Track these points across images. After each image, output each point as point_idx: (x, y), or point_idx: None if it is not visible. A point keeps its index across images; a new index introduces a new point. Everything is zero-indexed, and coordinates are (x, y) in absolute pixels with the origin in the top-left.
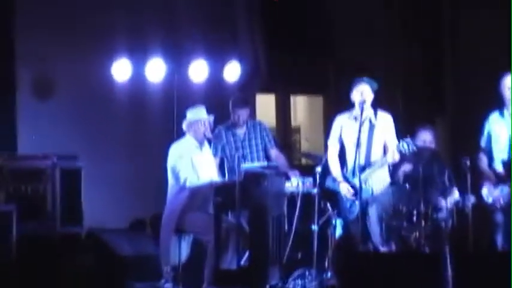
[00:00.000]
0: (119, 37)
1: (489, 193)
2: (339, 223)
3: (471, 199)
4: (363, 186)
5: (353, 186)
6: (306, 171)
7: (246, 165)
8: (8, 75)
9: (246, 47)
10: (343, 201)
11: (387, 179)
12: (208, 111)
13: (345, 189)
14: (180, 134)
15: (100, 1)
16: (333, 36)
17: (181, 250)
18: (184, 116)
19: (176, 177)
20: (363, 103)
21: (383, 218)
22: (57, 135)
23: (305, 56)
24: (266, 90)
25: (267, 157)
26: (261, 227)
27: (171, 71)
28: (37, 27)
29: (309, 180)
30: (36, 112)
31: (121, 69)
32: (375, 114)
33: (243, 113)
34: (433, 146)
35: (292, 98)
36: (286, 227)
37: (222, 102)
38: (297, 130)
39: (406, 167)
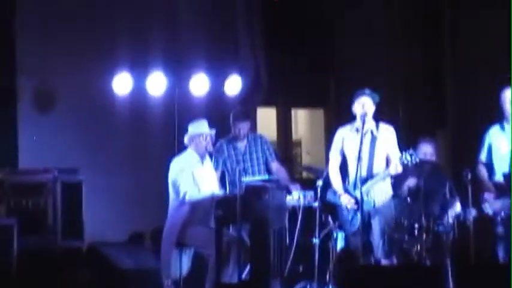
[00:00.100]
0: (120, 50)
1: (490, 206)
2: (340, 236)
3: (472, 212)
4: (365, 198)
5: (355, 198)
6: (307, 184)
7: (247, 179)
8: (9, 88)
9: (247, 60)
10: (344, 213)
11: (389, 192)
12: (210, 125)
13: (346, 201)
14: (181, 147)
15: (101, 14)
16: (334, 49)
17: (182, 264)
18: (185, 130)
19: (177, 191)
20: (364, 115)
21: (385, 230)
22: (58, 148)
23: (306, 69)
24: (267, 103)
25: (268, 170)
26: (262, 240)
27: (172, 84)
28: (38, 40)
29: (310, 193)
30: (37, 125)
31: (122, 83)
32: (377, 126)
33: (243, 127)
34: (434, 158)
35: (293, 111)
36: (287, 241)
37: (223, 116)
38: (298, 143)
39: (411, 182)
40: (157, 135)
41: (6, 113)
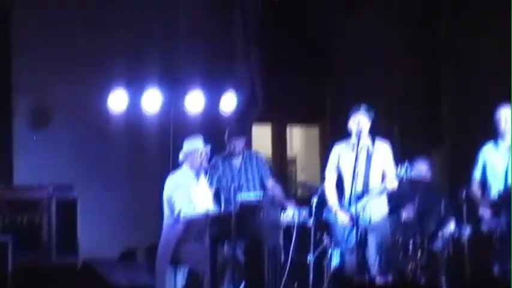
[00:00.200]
0: (116, 67)
1: (485, 223)
2: (335, 254)
3: (467, 229)
4: (361, 214)
5: (351, 215)
6: (302, 201)
7: (242, 196)
8: (5, 104)
9: (242, 77)
10: (340, 231)
11: (385, 208)
12: (205, 142)
13: (342, 217)
14: (176, 164)
15: (97, 31)
16: (330, 66)
17: (177, 281)
18: (180, 147)
19: (172, 208)
20: (359, 132)
21: (380, 248)
22: (53, 165)
23: (301, 86)
24: (262, 120)
25: (263, 188)
26: (256, 258)
27: (168, 101)
28: (34, 57)
29: (305, 210)
30: (32, 142)
31: (117, 100)
32: (373, 142)
33: (239, 143)
34: (429, 176)
35: (288, 128)
36: (282, 258)
37: (218, 133)
38: (293, 160)
39: (407, 210)
40: (153, 152)
41: (1, 130)
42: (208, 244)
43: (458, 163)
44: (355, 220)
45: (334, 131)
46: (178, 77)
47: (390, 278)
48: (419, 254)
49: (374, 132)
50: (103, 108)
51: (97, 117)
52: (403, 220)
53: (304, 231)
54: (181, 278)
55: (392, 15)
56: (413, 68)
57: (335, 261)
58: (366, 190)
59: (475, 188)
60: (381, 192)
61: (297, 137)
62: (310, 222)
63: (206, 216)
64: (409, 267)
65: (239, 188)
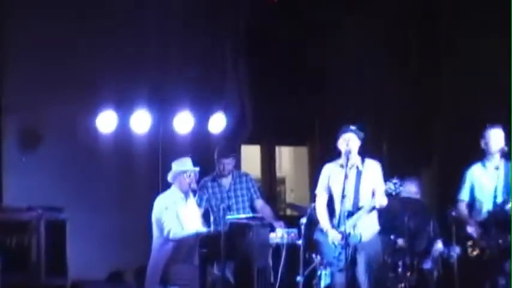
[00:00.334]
0: (105, 89)
1: (474, 243)
2: (324, 274)
3: (456, 250)
4: (351, 232)
5: (341, 233)
6: (291, 222)
7: (231, 216)
8: None
9: (231, 98)
10: (330, 250)
11: (376, 226)
12: (194, 163)
13: (332, 235)
14: (165, 185)
15: (86, 52)
16: (319, 87)
17: None
18: (169, 168)
19: (161, 228)
20: (348, 153)
21: (370, 267)
22: (42, 186)
23: (290, 107)
24: (251, 141)
25: (252, 208)
26: (246, 278)
27: (156, 122)
28: (23, 78)
29: (294, 231)
30: (21, 163)
31: (106, 121)
32: (362, 161)
33: (228, 163)
34: (418, 196)
35: (277, 149)
36: (271, 279)
37: (207, 154)
38: (282, 181)
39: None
40: (142, 173)
41: None
42: (198, 264)
43: (448, 183)
44: (345, 238)
45: (323, 151)
46: (167, 98)
47: None
48: (408, 274)
49: (363, 152)
50: (92, 129)
51: (86, 138)
52: (393, 240)
53: (293, 251)
54: None
55: (380, 35)
56: (402, 87)
57: (324, 281)
58: (356, 209)
59: (463, 208)
60: (371, 210)
61: (286, 158)
62: (299, 242)
63: (195, 236)
64: (399, 287)
65: (228, 208)
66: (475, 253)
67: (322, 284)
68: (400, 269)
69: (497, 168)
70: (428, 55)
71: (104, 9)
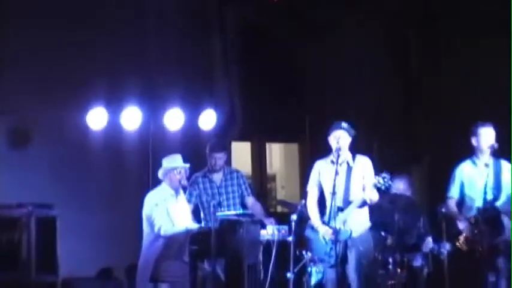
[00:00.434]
0: (95, 85)
1: (464, 240)
2: (314, 270)
3: (446, 246)
4: (342, 228)
5: (332, 229)
6: (282, 218)
7: (222, 213)
8: None
9: (221, 95)
10: (320, 247)
11: (366, 222)
12: (184, 160)
13: (323, 231)
14: (156, 182)
15: (76, 49)
16: (309, 84)
17: None
18: (160, 164)
19: (151, 225)
20: (338, 150)
21: (360, 264)
22: (32, 183)
23: (280, 104)
24: (242, 138)
25: (243, 205)
26: (236, 275)
27: (147, 119)
28: (13, 75)
29: (285, 228)
30: (11, 161)
31: (97, 118)
32: (353, 157)
33: (220, 158)
34: (409, 193)
35: (267, 146)
36: (261, 275)
37: (197, 151)
38: (273, 178)
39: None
40: (132, 169)
41: None
42: (188, 261)
43: (438, 180)
44: (335, 234)
45: (314, 148)
46: (158, 95)
47: None
48: (398, 271)
49: (354, 148)
50: (82, 126)
51: (76, 135)
52: (383, 237)
53: (283, 248)
54: None
55: (372, 34)
56: (393, 85)
57: (315, 277)
58: (346, 205)
59: (452, 205)
60: (362, 205)
61: (277, 154)
62: (290, 239)
63: (186, 233)
64: (389, 284)
65: (219, 205)
66: (465, 250)
67: (313, 280)
68: (390, 266)
69: (487, 165)
70: (419, 54)
71: (94, 7)
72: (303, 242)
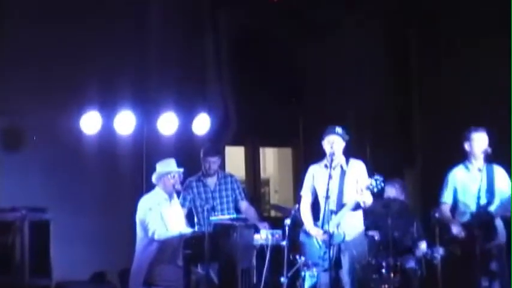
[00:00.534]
0: (89, 89)
1: (459, 244)
2: (308, 275)
3: (440, 251)
4: (335, 231)
5: (324, 231)
6: (276, 223)
7: (216, 217)
8: None
9: (215, 99)
10: (314, 251)
11: (360, 226)
12: (178, 164)
13: (314, 232)
14: (149, 186)
15: (69, 53)
16: (303, 88)
17: None
18: (153, 169)
19: (145, 229)
20: (332, 155)
21: (353, 268)
22: (26, 187)
23: (274, 108)
24: (235, 142)
25: (237, 209)
26: (230, 279)
27: (141, 123)
28: (7, 79)
29: (278, 232)
30: (4, 164)
31: (90, 122)
32: (347, 161)
33: (214, 162)
34: (402, 197)
35: (261, 150)
36: (255, 280)
37: (191, 155)
38: (266, 182)
39: (381, 233)
40: (126, 174)
41: None
42: (182, 265)
43: (431, 184)
44: (329, 238)
45: (307, 153)
46: (151, 99)
47: None
48: (392, 276)
49: (348, 153)
50: (76, 130)
51: (70, 139)
52: (376, 241)
53: (277, 252)
54: None
55: (362, 36)
56: (385, 89)
57: (308, 282)
58: (340, 208)
59: (445, 209)
60: (355, 208)
61: (270, 159)
62: (283, 243)
63: (179, 237)
64: None
65: (213, 209)
66: (458, 254)
67: (306, 285)
68: (383, 270)
69: (480, 170)
70: (412, 56)
71: (87, 11)
72: (296, 246)
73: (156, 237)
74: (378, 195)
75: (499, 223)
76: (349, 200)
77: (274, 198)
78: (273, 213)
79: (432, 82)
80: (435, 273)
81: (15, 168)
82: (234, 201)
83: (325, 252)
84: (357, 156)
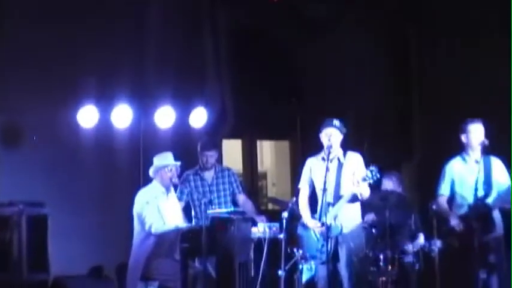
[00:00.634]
0: (85, 83)
1: (456, 236)
2: (305, 268)
3: (437, 243)
4: (333, 223)
5: (322, 223)
6: (273, 216)
7: (213, 211)
8: None
9: (212, 93)
10: (311, 244)
11: (357, 218)
12: (175, 157)
13: (312, 224)
14: (147, 180)
15: (66, 47)
16: (300, 82)
17: None
18: (151, 162)
19: (142, 223)
20: (329, 147)
21: (351, 261)
22: (23, 182)
23: (271, 102)
24: (233, 135)
25: (234, 202)
26: (227, 272)
27: (138, 117)
28: (2, 75)
29: (276, 225)
30: (2, 159)
31: (87, 116)
32: (344, 154)
33: (211, 156)
34: (400, 190)
35: (258, 143)
36: (252, 273)
37: (188, 148)
38: (264, 175)
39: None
40: (123, 168)
41: None
42: (179, 259)
43: (428, 177)
44: (326, 230)
45: (305, 146)
46: (148, 93)
47: None
48: (389, 268)
49: (345, 146)
50: (73, 125)
51: (67, 133)
52: (374, 234)
53: (275, 245)
54: None
55: (361, 33)
56: (383, 83)
57: (306, 275)
58: (337, 200)
59: (443, 202)
60: (352, 200)
61: (268, 152)
62: (281, 236)
63: (177, 231)
64: (380, 281)
65: (210, 203)
66: (456, 246)
67: (304, 278)
68: (381, 263)
69: (477, 162)
70: (409, 51)
71: (83, 6)
72: (294, 239)
73: (153, 231)
74: (375, 187)
75: (496, 215)
76: (346, 192)
77: (271, 191)
78: (270, 206)
79: (431, 80)
80: (433, 266)
81: (13, 163)
82: (232, 194)
83: (322, 245)
84: (354, 149)
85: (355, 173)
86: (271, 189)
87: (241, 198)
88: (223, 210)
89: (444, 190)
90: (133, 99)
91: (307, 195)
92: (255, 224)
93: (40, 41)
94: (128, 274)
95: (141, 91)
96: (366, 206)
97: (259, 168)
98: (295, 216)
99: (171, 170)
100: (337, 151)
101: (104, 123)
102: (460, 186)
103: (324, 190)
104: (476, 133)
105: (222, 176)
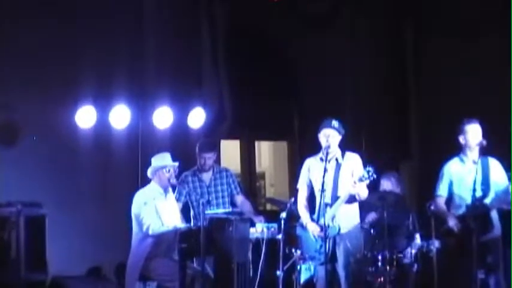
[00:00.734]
0: (84, 84)
1: (454, 237)
2: (304, 268)
3: (435, 243)
4: (330, 224)
5: (321, 226)
6: (271, 216)
7: (211, 211)
8: None
9: (210, 93)
10: (310, 244)
11: (355, 219)
12: (173, 158)
13: (312, 228)
14: (145, 180)
15: (64, 47)
16: (298, 82)
17: None
18: (149, 163)
19: (140, 224)
20: (328, 148)
21: (349, 262)
22: (21, 182)
23: (269, 102)
24: (231, 136)
25: (232, 203)
26: (225, 273)
27: (136, 117)
28: (2, 73)
29: (274, 226)
30: (0, 160)
31: (85, 116)
32: (343, 154)
33: (209, 157)
34: (398, 190)
35: (256, 144)
36: (251, 273)
37: (186, 149)
38: (262, 176)
39: (371, 216)
40: (121, 168)
41: None
42: (178, 259)
43: (426, 177)
44: (324, 231)
45: (303, 146)
46: (147, 93)
47: None
48: (387, 268)
49: (343, 146)
50: (71, 125)
51: (65, 133)
52: (372, 234)
53: (273, 246)
54: None
55: (359, 32)
56: (381, 84)
57: (304, 275)
58: (335, 201)
59: (441, 202)
60: (350, 200)
61: (266, 152)
62: (279, 237)
63: (175, 231)
64: (378, 281)
65: (208, 203)
66: (454, 247)
67: (302, 278)
68: (379, 263)
69: (475, 162)
70: (408, 52)
71: (82, 6)
72: (292, 239)
73: (150, 232)
74: (373, 188)
75: (494, 215)
76: (343, 192)
77: (269, 192)
78: (268, 206)
79: (431, 80)
80: (431, 266)
81: (10, 163)
82: (230, 195)
83: (321, 246)
84: (352, 150)
85: (353, 174)
86: (269, 189)
87: (240, 198)
88: (222, 210)
89: (442, 191)
90: (132, 100)
91: (305, 195)
92: (253, 224)
93: (39, 41)
94: (127, 274)
95: (139, 91)
96: (365, 207)
97: (257, 169)
98: (293, 217)
99: (169, 170)
100: (335, 152)
101: (102, 124)
102: (458, 186)
103: (322, 191)
104: (473, 133)
105: (220, 176)
